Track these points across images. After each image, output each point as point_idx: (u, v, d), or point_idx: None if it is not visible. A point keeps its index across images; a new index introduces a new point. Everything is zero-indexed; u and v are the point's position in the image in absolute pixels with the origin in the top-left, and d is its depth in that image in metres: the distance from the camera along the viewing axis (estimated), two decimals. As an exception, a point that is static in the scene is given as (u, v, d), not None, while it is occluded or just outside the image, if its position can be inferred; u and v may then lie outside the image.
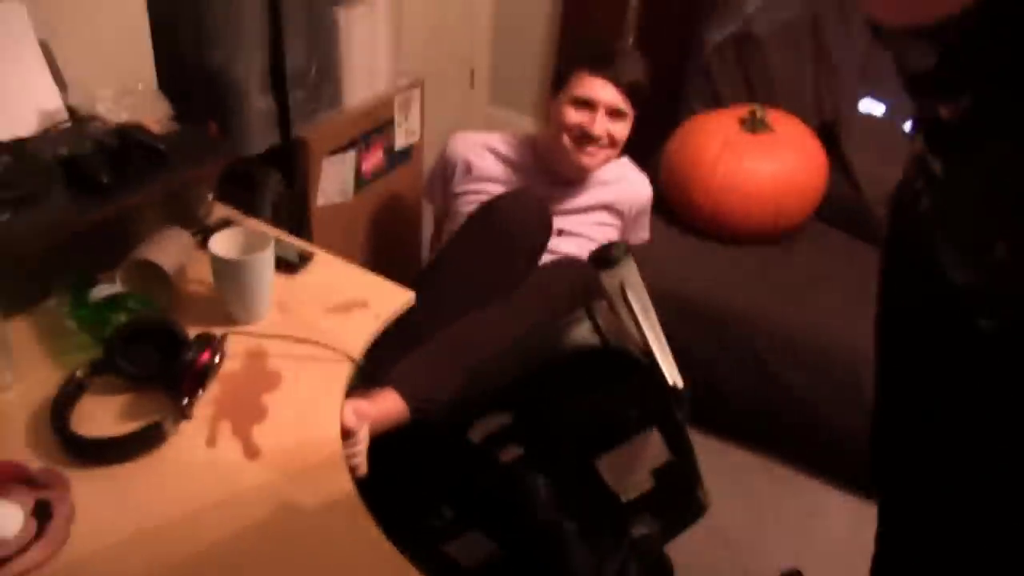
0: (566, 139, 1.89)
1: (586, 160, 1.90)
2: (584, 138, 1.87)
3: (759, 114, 2.33)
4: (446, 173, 2.04)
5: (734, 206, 2.28)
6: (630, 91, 1.87)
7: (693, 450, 1.58)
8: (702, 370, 2.18)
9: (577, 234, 1.97)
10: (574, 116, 1.87)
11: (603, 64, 1.85)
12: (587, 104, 1.86)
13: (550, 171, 1.98)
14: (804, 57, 2.54)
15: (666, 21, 2.92)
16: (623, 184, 2.04)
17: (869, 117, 2.45)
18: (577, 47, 1.98)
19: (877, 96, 2.45)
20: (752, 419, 2.22)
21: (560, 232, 1.95)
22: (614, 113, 1.87)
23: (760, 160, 2.26)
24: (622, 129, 1.90)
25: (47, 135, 1.39)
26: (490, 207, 1.71)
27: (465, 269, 1.66)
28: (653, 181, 2.16)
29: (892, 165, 2.52)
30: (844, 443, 2.08)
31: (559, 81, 1.92)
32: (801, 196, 2.33)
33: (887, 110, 2.45)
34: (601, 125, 1.86)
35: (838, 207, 2.44)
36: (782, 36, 2.54)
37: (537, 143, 2.03)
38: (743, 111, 2.38)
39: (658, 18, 2.94)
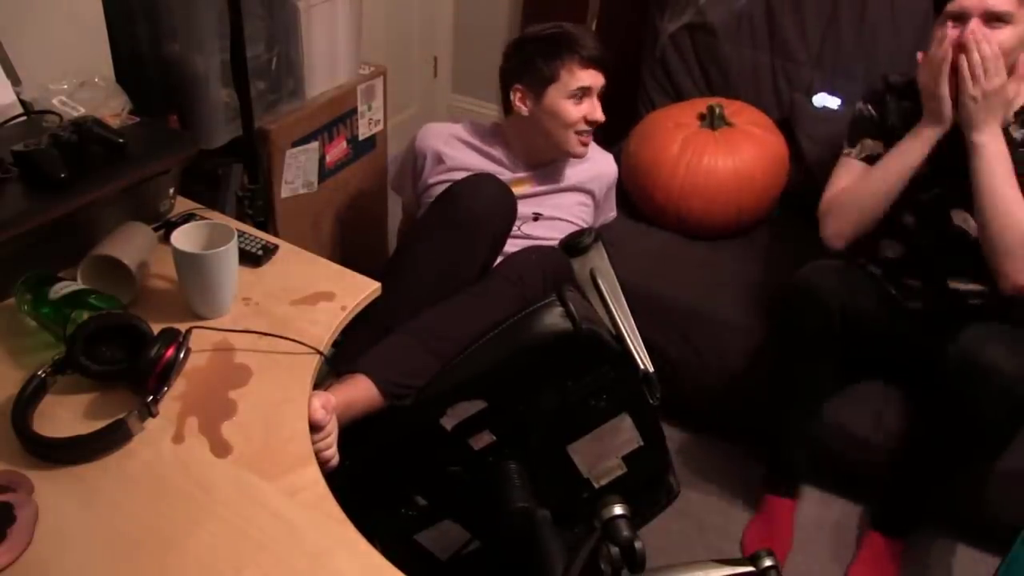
0: (571, 134, 1.91)
1: (583, 149, 1.95)
2: (588, 126, 1.92)
3: (718, 110, 2.33)
4: (416, 165, 2.03)
5: (696, 205, 2.28)
6: (609, 69, 1.93)
7: (664, 436, 1.59)
8: (670, 366, 2.17)
9: (553, 217, 1.98)
10: (579, 110, 1.89)
11: (590, 52, 1.88)
12: (585, 94, 1.89)
13: (521, 157, 1.99)
14: (759, 46, 2.54)
15: (626, 9, 2.92)
16: (591, 163, 2.05)
17: (823, 109, 2.44)
18: (544, 40, 1.95)
19: (831, 89, 2.46)
20: (721, 415, 2.22)
21: (536, 217, 1.95)
22: (602, 94, 1.93)
23: (720, 157, 2.26)
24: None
25: (0, 130, 1.36)
26: (450, 193, 1.71)
27: (429, 255, 1.65)
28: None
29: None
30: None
31: (541, 80, 1.89)
32: (762, 191, 2.33)
33: (841, 104, 2.44)
34: (600, 110, 1.92)
35: (800, 199, 2.44)
36: (736, 25, 2.55)
37: (506, 131, 2.02)
38: (702, 106, 2.37)
39: (618, 6, 2.94)
